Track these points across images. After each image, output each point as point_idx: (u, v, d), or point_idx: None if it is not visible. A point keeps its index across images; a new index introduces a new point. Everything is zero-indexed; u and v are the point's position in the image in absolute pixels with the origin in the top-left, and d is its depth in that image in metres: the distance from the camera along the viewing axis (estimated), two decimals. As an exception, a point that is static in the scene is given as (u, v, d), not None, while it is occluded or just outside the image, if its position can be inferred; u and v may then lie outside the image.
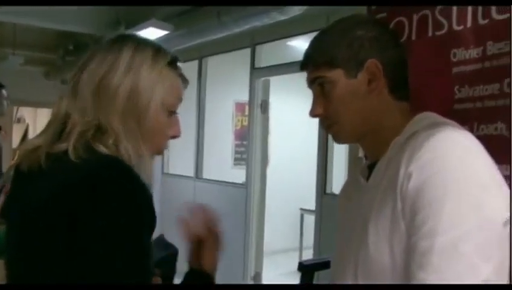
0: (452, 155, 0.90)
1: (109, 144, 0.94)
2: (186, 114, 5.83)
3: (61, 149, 0.94)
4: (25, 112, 11.53)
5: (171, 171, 6.25)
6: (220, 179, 5.39)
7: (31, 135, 11.40)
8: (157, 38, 4.60)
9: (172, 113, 1.06)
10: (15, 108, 10.84)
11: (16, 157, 1.01)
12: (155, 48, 1.05)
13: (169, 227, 4.95)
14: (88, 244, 0.85)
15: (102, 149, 0.93)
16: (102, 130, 0.96)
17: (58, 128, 0.98)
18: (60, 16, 5.83)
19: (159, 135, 1.05)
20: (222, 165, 6.10)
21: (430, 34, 1.30)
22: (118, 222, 0.86)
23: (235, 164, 6.59)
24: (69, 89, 1.01)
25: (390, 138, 1.04)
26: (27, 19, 5.94)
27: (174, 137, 1.09)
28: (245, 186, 4.90)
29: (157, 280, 1.21)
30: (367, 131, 1.09)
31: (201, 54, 5.50)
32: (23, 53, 6.74)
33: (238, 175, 5.24)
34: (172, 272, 1.39)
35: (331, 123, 1.10)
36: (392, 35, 1.13)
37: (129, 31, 4.80)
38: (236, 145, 6.72)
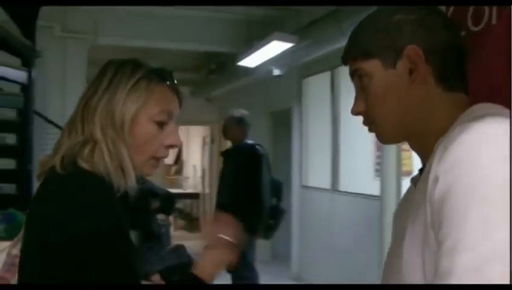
0: (482, 155, 0.73)
1: (85, 156, 1.03)
2: (320, 126, 5.79)
3: (49, 166, 1.05)
4: (179, 130, 12.30)
5: (309, 184, 6.21)
6: (360, 191, 5.22)
7: (184, 151, 12.17)
8: (282, 52, 4.63)
9: (162, 123, 1.10)
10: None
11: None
12: (135, 64, 1.12)
13: (308, 238, 4.93)
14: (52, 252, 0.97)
15: (80, 163, 1.02)
16: (87, 141, 1.05)
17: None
18: (200, 38, 6.15)
19: (149, 145, 1.10)
20: (362, 177, 5.91)
21: (512, 12, 1.08)
22: (79, 231, 0.95)
23: (376, 175, 6.35)
24: None
25: (440, 136, 0.87)
26: (171, 43, 6.37)
27: (172, 146, 1.14)
28: (379, 198, 4.69)
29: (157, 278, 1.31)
30: (412, 129, 0.95)
31: (331, 65, 5.41)
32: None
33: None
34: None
35: (371, 121, 0.98)
36: (440, 16, 0.97)
37: (257, 47, 4.89)
38: (378, 157, 6.48)
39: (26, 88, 3.21)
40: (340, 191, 5.53)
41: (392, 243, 1.04)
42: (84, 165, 1.02)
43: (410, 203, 0.93)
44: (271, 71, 5.62)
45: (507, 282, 0.67)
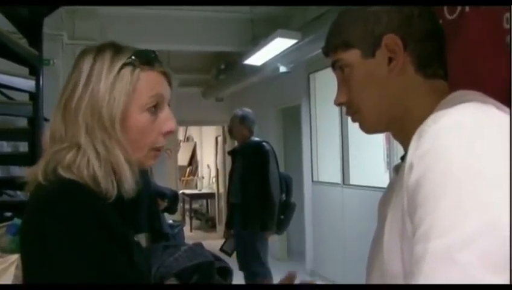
0: (457, 141, 0.73)
1: (67, 163, 0.94)
2: (329, 120, 5.76)
3: (35, 175, 0.96)
4: (192, 131, 12.41)
5: (320, 179, 6.22)
6: (372, 184, 5.21)
7: (198, 151, 12.24)
8: (287, 48, 4.65)
9: (155, 110, 1.01)
10: (182, 128, 11.75)
11: None
12: (114, 50, 1.00)
13: (322, 234, 4.91)
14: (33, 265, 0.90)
15: (60, 171, 0.93)
16: (70, 147, 0.96)
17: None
18: (206, 38, 6.20)
19: (146, 137, 1.00)
20: (373, 170, 5.91)
21: (483, -1, 1.08)
22: (55, 242, 0.87)
23: (388, 168, 6.34)
24: None
25: (420, 124, 0.85)
26: (178, 45, 6.42)
27: (169, 133, 1.04)
28: (390, 190, 4.68)
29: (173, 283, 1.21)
30: (394, 117, 0.96)
31: (338, 59, 5.41)
32: (178, 76, 7.29)
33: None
34: (208, 279, 1.38)
35: (354, 111, 0.99)
36: (418, 4, 0.97)
37: (261, 45, 4.92)
38: (388, 149, 6.47)
39: (35, 96, 3.27)
40: (351, 185, 5.54)
41: (375, 232, 1.04)
42: (64, 173, 0.92)
43: (392, 191, 0.94)
44: (277, 68, 5.65)
45: (480, 269, 0.66)
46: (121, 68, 0.98)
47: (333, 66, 1.02)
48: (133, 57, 0.99)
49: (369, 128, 1.00)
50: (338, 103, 1.02)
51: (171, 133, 1.04)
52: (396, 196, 0.86)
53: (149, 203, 2.94)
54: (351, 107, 1.00)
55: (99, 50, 1.00)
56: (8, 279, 1.43)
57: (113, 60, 0.98)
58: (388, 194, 1.00)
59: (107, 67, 0.97)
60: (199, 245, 1.50)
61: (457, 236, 0.68)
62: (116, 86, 0.97)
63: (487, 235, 0.67)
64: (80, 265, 0.86)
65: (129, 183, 0.97)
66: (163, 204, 3.49)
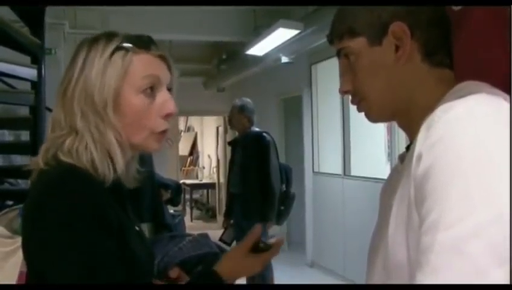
0: (467, 132, 0.73)
1: (67, 149, 0.96)
2: (330, 111, 5.75)
3: (37, 162, 0.99)
4: (193, 121, 12.41)
5: (321, 170, 6.23)
6: (373, 175, 5.22)
7: (199, 141, 12.25)
8: (289, 39, 4.64)
9: (151, 92, 1.01)
10: (183, 118, 11.75)
11: None
12: (107, 36, 1.01)
13: (322, 224, 4.92)
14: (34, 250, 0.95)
15: (60, 156, 0.96)
16: (69, 133, 0.98)
17: None
18: (208, 28, 6.18)
19: (144, 120, 1.01)
20: (375, 161, 5.92)
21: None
22: (56, 228, 0.90)
23: (389, 159, 6.35)
24: None
25: (427, 114, 0.85)
26: (180, 35, 6.40)
27: (168, 116, 1.03)
28: (391, 182, 4.69)
29: (176, 272, 1.23)
30: (400, 106, 0.96)
31: (340, 50, 5.41)
32: (179, 66, 7.25)
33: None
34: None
35: (359, 100, 0.99)
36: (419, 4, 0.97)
37: (263, 35, 4.91)
38: (389, 140, 6.48)
39: (36, 85, 3.27)
40: (351, 176, 5.55)
41: (378, 221, 1.04)
42: (64, 157, 0.95)
43: (396, 180, 0.94)
44: (279, 59, 5.64)
45: (488, 260, 0.67)
46: (113, 53, 0.99)
47: (338, 54, 1.01)
48: (125, 42, 1.00)
49: (375, 117, 1.00)
50: (343, 91, 1.01)
51: (171, 115, 1.04)
52: (402, 185, 0.86)
53: (152, 194, 2.95)
54: (356, 95, 0.99)
55: (94, 39, 1.02)
56: (17, 260, 1.46)
57: (105, 47, 0.99)
58: (392, 183, 0.99)
59: (100, 53, 0.99)
60: (205, 236, 1.49)
61: (466, 227, 0.68)
62: (108, 70, 0.98)
63: (495, 227, 0.67)
64: (71, 251, 0.89)
65: (120, 165, 0.98)
66: (166, 195, 3.49)
